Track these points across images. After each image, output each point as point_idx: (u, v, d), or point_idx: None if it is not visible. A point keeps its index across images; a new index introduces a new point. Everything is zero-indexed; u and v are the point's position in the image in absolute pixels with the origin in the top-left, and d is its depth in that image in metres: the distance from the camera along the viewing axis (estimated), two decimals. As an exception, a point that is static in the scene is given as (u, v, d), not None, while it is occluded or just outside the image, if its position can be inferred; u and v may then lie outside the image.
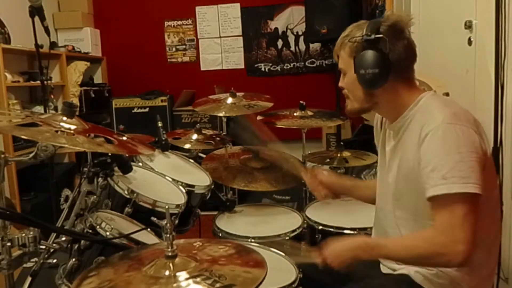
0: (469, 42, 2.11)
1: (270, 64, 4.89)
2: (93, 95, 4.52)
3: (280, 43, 4.85)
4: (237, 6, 4.83)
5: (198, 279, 1.00)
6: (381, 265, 1.49)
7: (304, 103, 2.60)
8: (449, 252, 1.13)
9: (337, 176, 1.73)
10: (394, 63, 1.28)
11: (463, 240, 1.12)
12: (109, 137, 1.36)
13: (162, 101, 4.51)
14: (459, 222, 1.12)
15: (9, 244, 1.22)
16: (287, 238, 1.99)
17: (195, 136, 2.54)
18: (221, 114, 2.67)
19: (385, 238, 1.41)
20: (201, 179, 2.21)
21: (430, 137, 1.20)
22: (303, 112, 2.58)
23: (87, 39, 4.72)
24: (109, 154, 1.66)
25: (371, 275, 1.46)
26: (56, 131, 1.26)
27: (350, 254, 1.30)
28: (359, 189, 1.68)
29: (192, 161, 2.41)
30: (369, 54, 1.28)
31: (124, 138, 1.47)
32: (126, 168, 1.70)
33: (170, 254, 1.07)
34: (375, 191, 1.55)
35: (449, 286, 1.29)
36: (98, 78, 4.96)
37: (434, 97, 1.32)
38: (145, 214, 1.71)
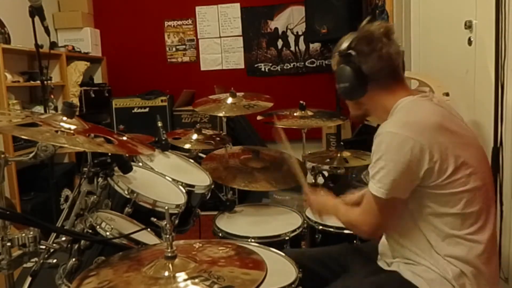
0: (469, 42, 2.11)
1: (270, 64, 4.89)
2: (93, 95, 4.52)
3: (280, 43, 4.85)
4: (237, 6, 4.83)
5: (197, 280, 1.00)
6: (378, 260, 1.52)
7: (304, 103, 2.60)
8: (357, 228, 1.46)
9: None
10: (370, 75, 1.37)
11: (369, 224, 1.38)
12: (109, 137, 1.36)
13: (162, 101, 4.51)
14: (369, 212, 1.37)
15: (9, 244, 1.22)
16: (287, 238, 1.99)
17: (195, 136, 2.54)
18: (221, 114, 2.67)
19: (343, 204, 1.59)
20: (201, 179, 2.21)
21: (374, 141, 1.33)
22: (303, 112, 2.58)
23: (87, 39, 4.73)
24: (109, 154, 1.66)
25: (367, 270, 1.48)
26: (56, 131, 1.26)
27: (323, 206, 1.61)
28: None
29: (192, 161, 2.41)
30: (341, 69, 1.39)
31: (124, 138, 1.47)
32: (126, 168, 1.70)
33: (169, 254, 1.07)
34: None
35: (438, 281, 1.30)
36: (98, 78, 4.96)
37: (408, 104, 1.36)
38: (145, 214, 1.71)
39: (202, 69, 4.95)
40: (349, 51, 1.37)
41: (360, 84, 1.38)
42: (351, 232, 1.80)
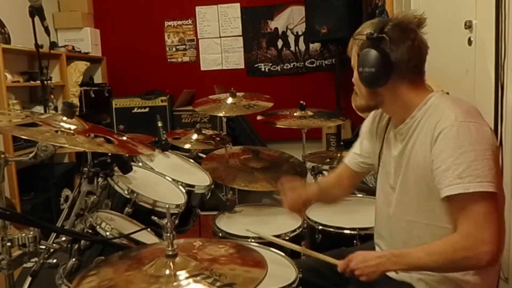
0: (469, 42, 2.10)
1: (270, 64, 4.89)
2: (93, 95, 4.52)
3: (280, 43, 4.85)
4: (237, 6, 4.83)
5: (198, 278, 1.00)
6: None
7: (304, 103, 2.60)
8: (476, 255, 1.12)
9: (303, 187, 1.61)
10: (396, 64, 1.27)
11: (489, 240, 1.11)
12: (109, 137, 1.36)
13: (162, 101, 4.51)
14: (481, 222, 1.12)
15: (9, 244, 1.23)
16: (287, 238, 1.99)
17: (195, 136, 2.55)
18: (221, 114, 2.68)
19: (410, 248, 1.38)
20: (201, 179, 2.21)
21: (443, 136, 1.19)
22: (303, 112, 2.58)
23: (87, 39, 4.73)
24: (109, 154, 1.66)
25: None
26: (56, 131, 1.26)
27: (375, 262, 1.28)
28: (327, 193, 1.67)
29: (192, 161, 2.41)
30: (369, 53, 1.27)
31: (124, 138, 1.47)
32: (126, 168, 1.70)
33: (170, 253, 1.07)
34: (340, 189, 1.64)
35: None
36: (98, 78, 4.96)
37: (444, 97, 1.31)
38: (145, 214, 1.71)
39: (202, 69, 4.95)
40: (382, 35, 1.26)
41: (383, 72, 1.26)
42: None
